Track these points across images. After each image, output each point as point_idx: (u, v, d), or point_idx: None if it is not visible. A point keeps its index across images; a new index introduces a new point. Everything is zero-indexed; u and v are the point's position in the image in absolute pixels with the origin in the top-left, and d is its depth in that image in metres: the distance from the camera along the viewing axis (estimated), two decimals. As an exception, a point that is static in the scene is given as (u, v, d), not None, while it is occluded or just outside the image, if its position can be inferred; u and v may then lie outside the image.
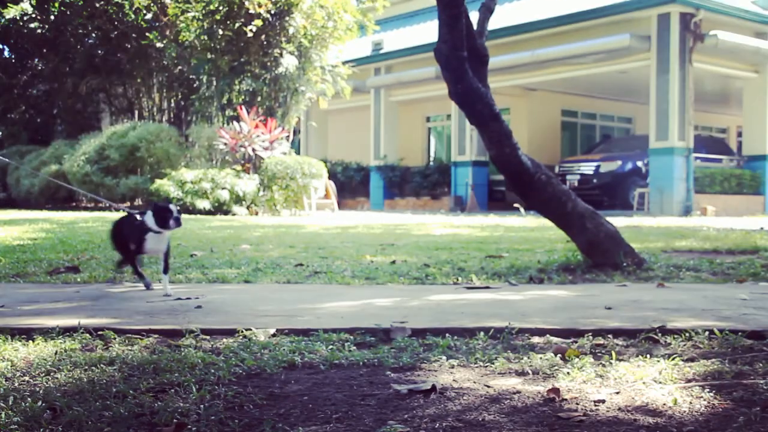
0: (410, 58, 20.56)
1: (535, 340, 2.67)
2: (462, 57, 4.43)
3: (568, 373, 2.17)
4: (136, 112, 20.83)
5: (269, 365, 2.27)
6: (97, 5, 19.01)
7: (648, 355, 2.37)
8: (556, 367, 2.23)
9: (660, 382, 2.07)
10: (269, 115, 16.36)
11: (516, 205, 11.51)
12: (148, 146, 16.27)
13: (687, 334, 2.64)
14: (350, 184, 23.55)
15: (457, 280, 4.39)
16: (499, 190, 20.85)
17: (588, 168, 18.30)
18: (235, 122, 15.79)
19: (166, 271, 3.85)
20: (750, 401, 1.89)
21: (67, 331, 2.72)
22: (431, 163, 23.46)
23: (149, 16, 18.87)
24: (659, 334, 2.65)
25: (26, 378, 2.14)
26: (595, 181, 18.09)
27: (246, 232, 8.84)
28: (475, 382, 2.11)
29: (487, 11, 5.09)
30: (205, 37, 16.60)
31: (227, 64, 16.51)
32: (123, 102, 21.54)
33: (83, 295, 3.73)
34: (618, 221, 8.38)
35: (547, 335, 2.70)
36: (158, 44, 18.45)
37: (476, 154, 19.81)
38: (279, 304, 3.41)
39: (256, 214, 14.85)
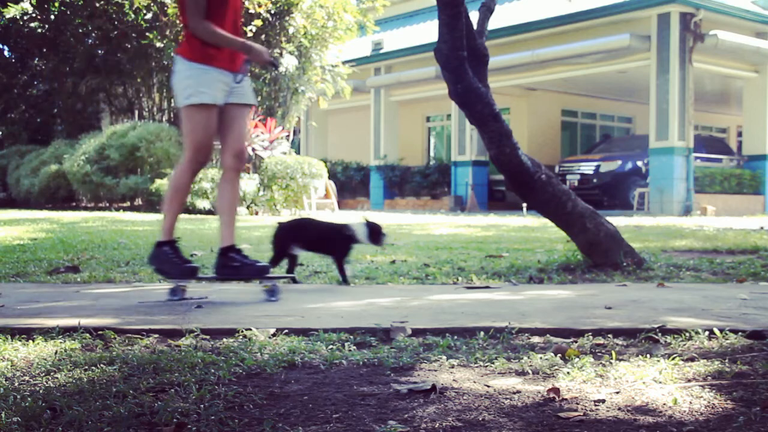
0: (410, 58, 20.55)
1: (535, 339, 2.67)
2: (462, 57, 4.43)
3: (568, 372, 2.17)
4: (136, 112, 20.82)
5: (269, 365, 2.27)
6: (97, 5, 18.99)
7: (648, 355, 2.37)
8: (556, 367, 2.23)
9: (660, 382, 2.07)
10: (269, 114, 16.37)
11: (524, 205, 11.54)
12: (148, 146, 16.27)
13: (687, 334, 2.64)
14: (350, 183, 23.55)
15: (457, 279, 4.39)
16: (499, 190, 20.86)
17: (588, 168, 18.30)
18: (235, 122, 15.77)
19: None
20: (750, 401, 1.89)
21: (67, 331, 2.72)
22: (431, 163, 23.46)
23: (149, 16, 18.85)
24: (659, 334, 2.65)
25: (26, 378, 2.14)
26: (595, 180, 18.09)
27: (246, 231, 8.84)
28: (475, 382, 2.11)
29: (487, 11, 5.09)
30: (205, 37, 16.58)
31: (227, 64, 16.50)
32: (123, 102, 21.51)
33: (83, 295, 3.73)
34: (618, 221, 8.38)
35: (547, 335, 2.70)
36: (158, 44, 18.44)
37: (476, 154, 19.81)
38: (279, 304, 3.41)
39: (256, 213, 14.86)
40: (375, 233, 4.18)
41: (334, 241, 4.22)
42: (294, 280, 4.22)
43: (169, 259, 3.60)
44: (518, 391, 2.01)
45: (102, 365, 2.25)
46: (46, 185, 18.05)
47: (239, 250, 3.69)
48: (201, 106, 3.54)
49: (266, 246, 6.70)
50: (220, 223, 3.72)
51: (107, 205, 17.54)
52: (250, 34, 15.85)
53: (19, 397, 1.91)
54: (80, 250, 6.11)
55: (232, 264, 3.63)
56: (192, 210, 14.54)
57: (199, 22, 3.50)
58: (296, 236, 4.24)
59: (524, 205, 11.49)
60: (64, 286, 4.15)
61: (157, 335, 2.71)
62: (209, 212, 14.48)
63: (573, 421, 1.77)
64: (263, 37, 16.21)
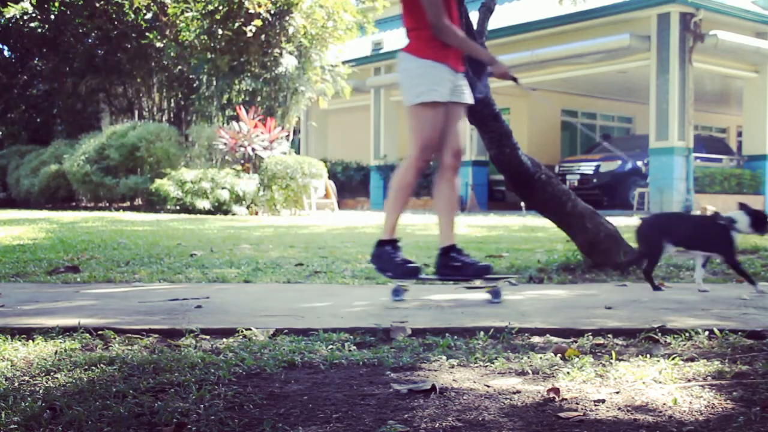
0: (410, 58, 20.51)
1: (535, 339, 2.67)
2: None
3: (568, 372, 2.17)
4: (136, 112, 20.82)
5: (269, 365, 2.27)
6: (97, 5, 19.00)
7: (648, 355, 2.38)
8: (556, 367, 2.23)
9: (660, 382, 2.07)
10: (269, 114, 16.37)
11: (522, 204, 11.53)
12: (148, 146, 16.27)
13: (687, 334, 2.64)
14: (350, 183, 23.54)
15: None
16: (499, 190, 20.84)
17: (588, 168, 18.29)
18: (234, 122, 15.79)
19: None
20: (750, 401, 1.89)
21: (67, 331, 2.71)
22: (431, 163, 23.43)
23: (149, 16, 18.86)
24: (659, 334, 2.65)
25: (26, 378, 2.14)
26: (595, 180, 18.08)
27: (246, 231, 8.84)
28: (475, 382, 2.11)
29: (487, 11, 5.09)
30: (205, 37, 16.60)
31: (227, 64, 16.52)
32: (123, 102, 21.53)
33: (83, 295, 3.73)
34: (618, 221, 8.36)
35: (547, 335, 2.70)
36: (158, 44, 18.44)
37: (476, 154, 19.81)
38: (279, 304, 3.41)
39: (256, 213, 14.85)
40: (758, 220, 3.68)
41: (713, 235, 3.72)
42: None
43: (391, 259, 3.57)
44: (518, 391, 2.01)
45: (102, 365, 2.24)
46: (46, 185, 18.05)
47: (460, 250, 3.62)
48: (432, 104, 3.48)
49: (266, 246, 6.70)
50: (439, 223, 3.66)
51: (107, 205, 17.54)
52: (249, 34, 15.86)
53: (19, 397, 1.91)
54: (80, 250, 6.11)
55: (454, 264, 3.58)
56: (192, 210, 14.53)
57: (445, 22, 3.43)
58: (669, 231, 3.82)
59: (522, 204, 11.48)
60: (64, 286, 4.15)
61: (157, 335, 2.70)
62: (209, 212, 14.48)
63: (573, 421, 1.77)
64: (263, 37, 16.21)
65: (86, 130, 19.34)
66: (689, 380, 2.10)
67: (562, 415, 1.80)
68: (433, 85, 3.47)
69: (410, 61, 3.53)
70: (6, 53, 22.50)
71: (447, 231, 3.64)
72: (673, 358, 2.31)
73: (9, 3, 19.44)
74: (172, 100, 20.24)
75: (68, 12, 19.45)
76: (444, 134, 3.60)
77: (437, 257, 3.68)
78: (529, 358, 2.35)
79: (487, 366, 2.28)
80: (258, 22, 15.78)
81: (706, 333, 2.64)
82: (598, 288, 4.03)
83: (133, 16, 18.78)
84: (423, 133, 3.53)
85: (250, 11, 15.80)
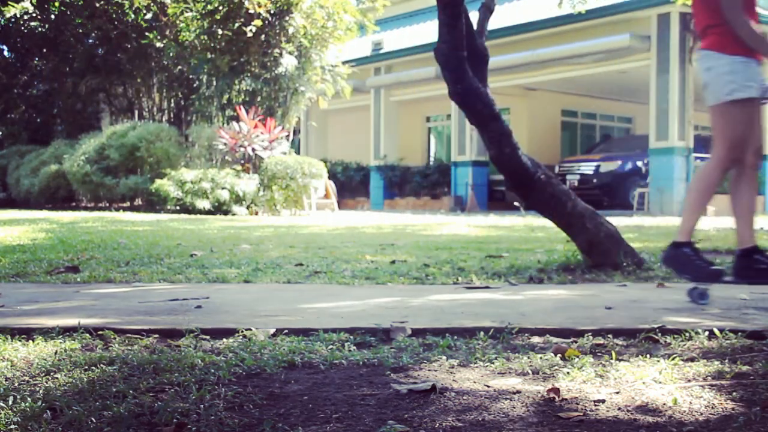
0: (410, 58, 20.54)
1: (535, 340, 2.67)
2: (462, 57, 4.43)
3: (568, 373, 2.17)
4: (136, 112, 20.83)
5: (269, 365, 2.27)
6: (97, 5, 19.01)
7: (648, 355, 2.37)
8: (556, 367, 2.23)
9: (660, 382, 2.07)
10: (269, 114, 16.37)
11: (516, 203, 11.51)
12: (148, 146, 16.28)
13: (687, 334, 2.64)
14: (350, 184, 23.54)
15: (457, 279, 4.39)
16: (499, 190, 20.84)
17: (588, 168, 18.29)
18: (234, 122, 15.79)
19: None
20: (750, 401, 1.89)
21: (67, 331, 2.71)
22: (431, 163, 23.46)
23: (149, 16, 18.86)
24: (659, 334, 2.65)
25: (26, 378, 2.13)
26: (595, 181, 18.08)
27: (246, 231, 8.84)
28: (475, 382, 2.11)
29: (487, 11, 5.09)
30: (205, 37, 16.60)
31: (227, 64, 16.52)
32: (123, 102, 21.54)
33: (83, 295, 3.73)
34: (618, 221, 8.37)
35: (547, 335, 2.70)
36: (158, 44, 18.45)
37: (476, 154, 19.81)
38: (279, 304, 3.41)
39: (256, 214, 14.86)
40: None
41: None
42: None
43: (691, 261, 3.48)
44: (518, 391, 2.01)
45: (102, 365, 2.24)
46: (46, 185, 18.05)
47: (763, 251, 3.48)
48: (744, 101, 3.40)
49: (266, 246, 6.69)
50: (738, 224, 3.52)
51: (107, 205, 17.54)
52: (249, 35, 15.86)
53: (19, 397, 1.91)
54: (80, 250, 6.11)
55: (759, 267, 3.43)
56: (192, 210, 14.54)
57: (741, 14, 3.35)
58: None
59: (518, 204, 11.46)
60: (64, 286, 4.15)
61: (157, 335, 2.70)
62: (209, 212, 14.48)
63: (573, 421, 1.77)
64: (263, 37, 16.21)
65: (86, 130, 19.35)
66: (689, 380, 2.10)
67: (562, 415, 1.80)
68: (746, 81, 3.39)
69: (717, 58, 3.45)
70: (6, 53, 22.50)
71: (748, 232, 3.49)
72: (673, 358, 2.31)
73: (9, 2, 19.44)
74: (172, 100, 20.24)
75: (68, 12, 19.45)
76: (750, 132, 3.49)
77: (736, 259, 3.54)
78: (529, 358, 2.35)
79: (487, 366, 2.28)
80: (258, 22, 15.79)
81: (706, 333, 2.64)
82: (598, 288, 4.03)
83: (133, 16, 18.79)
84: (734, 132, 3.44)
85: (250, 11, 15.80)
